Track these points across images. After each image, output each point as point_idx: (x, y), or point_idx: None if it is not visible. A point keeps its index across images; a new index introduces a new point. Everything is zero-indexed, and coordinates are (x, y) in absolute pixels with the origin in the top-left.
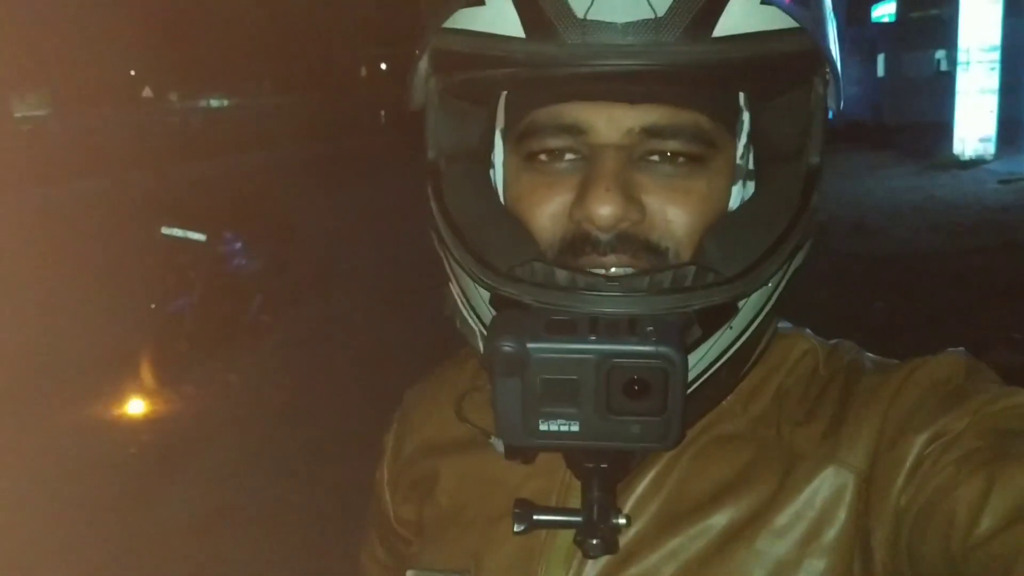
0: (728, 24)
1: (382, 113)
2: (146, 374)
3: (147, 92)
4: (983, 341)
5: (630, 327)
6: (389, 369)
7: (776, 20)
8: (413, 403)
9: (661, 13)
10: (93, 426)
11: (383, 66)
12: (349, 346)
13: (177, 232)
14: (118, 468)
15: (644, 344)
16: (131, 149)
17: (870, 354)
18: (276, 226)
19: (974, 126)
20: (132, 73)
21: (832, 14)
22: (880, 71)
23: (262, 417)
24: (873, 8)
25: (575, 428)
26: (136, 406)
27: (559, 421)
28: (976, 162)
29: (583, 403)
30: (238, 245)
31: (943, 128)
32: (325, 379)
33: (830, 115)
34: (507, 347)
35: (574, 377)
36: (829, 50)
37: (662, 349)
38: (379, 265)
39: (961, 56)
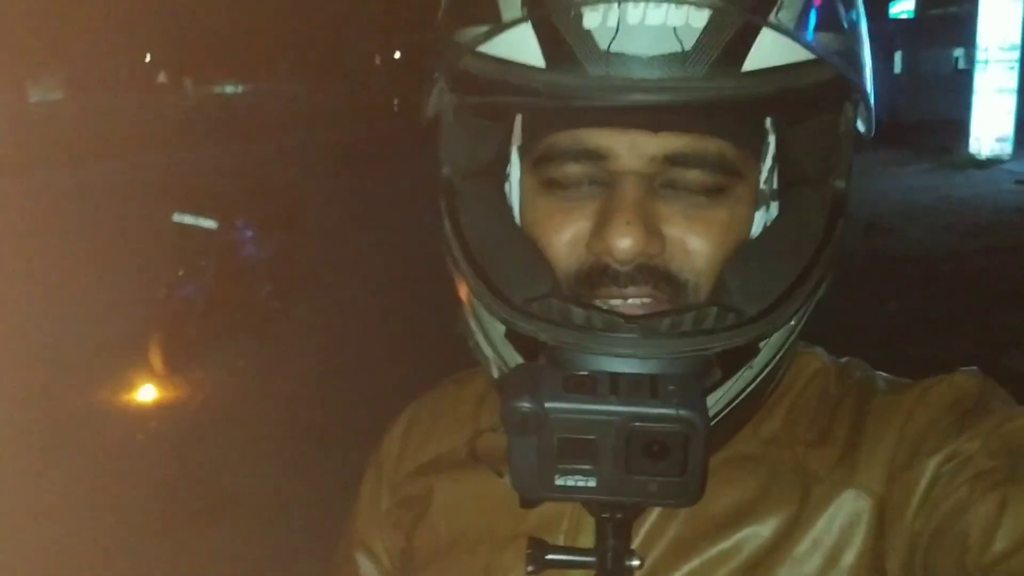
0: (758, 57)
1: (395, 101)
2: (155, 360)
3: (162, 78)
4: (996, 344)
5: (652, 387)
6: (397, 358)
7: (806, 51)
8: (414, 421)
9: (688, 47)
10: (102, 411)
11: (397, 55)
12: (358, 334)
13: (188, 219)
14: (126, 454)
15: (666, 407)
16: (145, 134)
17: (881, 372)
18: (287, 214)
19: (991, 125)
20: (147, 59)
21: (862, 33)
22: (897, 68)
23: (270, 404)
24: (891, 4)
25: (592, 484)
26: (145, 392)
27: (576, 477)
28: (992, 162)
29: (601, 461)
30: (249, 233)
31: (960, 127)
32: (333, 367)
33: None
34: (524, 407)
35: (592, 437)
36: (862, 78)
37: (684, 413)
38: (389, 254)
39: (980, 55)
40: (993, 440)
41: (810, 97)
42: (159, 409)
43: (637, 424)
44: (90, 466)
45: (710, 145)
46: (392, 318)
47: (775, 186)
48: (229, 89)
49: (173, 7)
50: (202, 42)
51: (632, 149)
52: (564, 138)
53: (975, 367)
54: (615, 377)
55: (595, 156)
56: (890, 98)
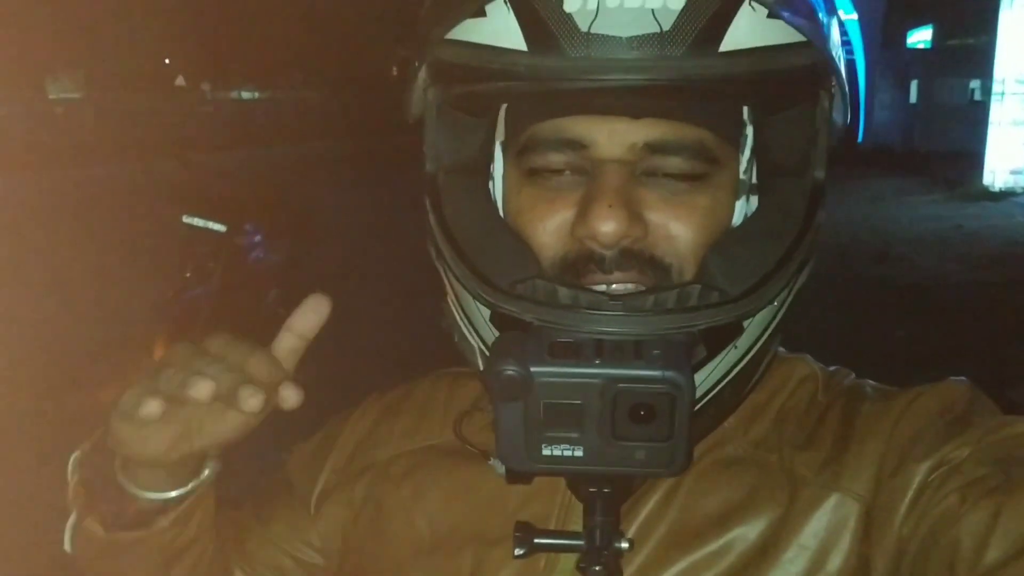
0: (734, 38)
1: None
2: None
3: (180, 81)
4: (1004, 377)
5: (636, 351)
6: (401, 368)
7: (782, 34)
8: (395, 410)
9: (667, 27)
10: (104, 410)
11: None
12: (362, 343)
13: (198, 221)
14: None
15: (651, 369)
16: (160, 136)
17: (869, 380)
18: (297, 220)
19: (1005, 158)
20: (167, 61)
21: (834, 29)
22: (913, 97)
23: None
24: (909, 34)
25: (579, 453)
26: None
27: (562, 446)
28: (1006, 194)
29: (587, 428)
30: (258, 238)
31: (974, 158)
32: (336, 375)
33: (859, 138)
34: (509, 371)
35: (578, 402)
36: (835, 63)
37: (669, 374)
38: (397, 264)
39: (996, 86)
40: (982, 448)
41: (786, 81)
42: None
43: (622, 386)
44: None
45: (690, 133)
46: (399, 328)
47: (754, 178)
48: (246, 95)
49: (193, 12)
50: (221, 47)
51: (612, 137)
52: (546, 128)
53: (964, 377)
54: (599, 342)
55: (576, 145)
56: (905, 127)
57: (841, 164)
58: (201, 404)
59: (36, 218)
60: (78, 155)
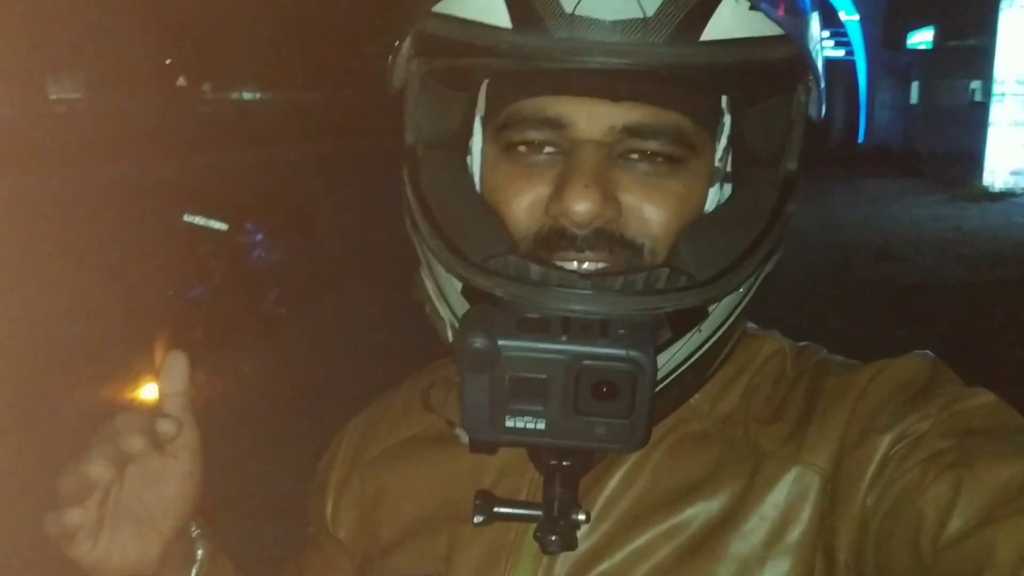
0: (716, 28)
1: None
2: (160, 360)
3: (181, 81)
4: (1003, 377)
5: (602, 329)
6: (402, 367)
7: (763, 27)
8: (381, 413)
9: (650, 13)
10: (104, 409)
11: None
12: (363, 343)
13: (199, 220)
14: None
15: (615, 347)
16: (161, 136)
17: (837, 356)
18: (298, 219)
19: (1005, 158)
20: (167, 62)
21: (814, 25)
22: (914, 98)
23: (272, 409)
24: (909, 35)
25: (541, 426)
26: (148, 391)
27: (526, 418)
28: (1005, 194)
29: (551, 402)
30: (259, 236)
31: (974, 159)
32: (337, 374)
33: (859, 138)
34: (477, 343)
35: (543, 376)
36: (813, 58)
37: (633, 353)
38: (397, 263)
39: (996, 87)
40: (944, 420)
41: (765, 73)
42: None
43: (587, 363)
44: None
45: (668, 117)
46: (398, 327)
47: (728, 167)
48: (247, 95)
49: (195, 13)
50: (222, 48)
51: (591, 119)
52: (526, 106)
53: (927, 351)
54: (567, 319)
55: (556, 124)
56: (905, 128)
57: (841, 164)
58: (105, 477)
59: (36, 218)
60: (78, 155)
